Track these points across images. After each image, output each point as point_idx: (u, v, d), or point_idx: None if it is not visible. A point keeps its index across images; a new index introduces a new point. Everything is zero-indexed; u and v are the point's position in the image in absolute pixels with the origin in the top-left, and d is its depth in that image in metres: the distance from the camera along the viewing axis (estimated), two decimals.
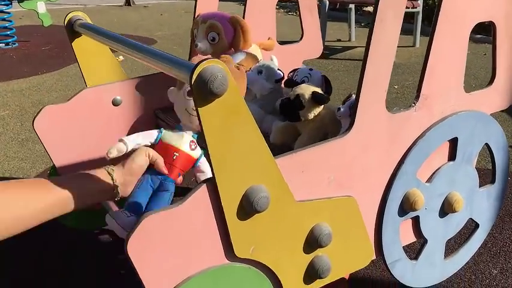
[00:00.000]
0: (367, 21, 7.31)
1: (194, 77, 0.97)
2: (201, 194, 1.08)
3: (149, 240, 1.04)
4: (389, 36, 1.24)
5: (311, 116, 1.51)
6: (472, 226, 1.72)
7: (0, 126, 3.39)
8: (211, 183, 1.08)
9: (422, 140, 1.39)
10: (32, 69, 4.90)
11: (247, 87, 1.66)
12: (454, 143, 1.48)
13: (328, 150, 1.25)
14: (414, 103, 1.37)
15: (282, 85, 1.80)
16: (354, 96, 1.46)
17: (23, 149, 3.03)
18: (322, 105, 1.51)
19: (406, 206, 1.42)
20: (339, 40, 6.09)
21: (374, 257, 1.45)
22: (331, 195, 1.29)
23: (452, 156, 1.49)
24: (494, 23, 1.48)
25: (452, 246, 1.89)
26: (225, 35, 1.83)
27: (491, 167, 1.65)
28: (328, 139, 1.26)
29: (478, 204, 1.63)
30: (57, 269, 1.92)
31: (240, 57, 1.83)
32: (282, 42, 2.21)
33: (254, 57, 1.89)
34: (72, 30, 1.77)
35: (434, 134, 1.41)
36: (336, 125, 1.52)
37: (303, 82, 1.64)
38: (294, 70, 1.75)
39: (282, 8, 8.88)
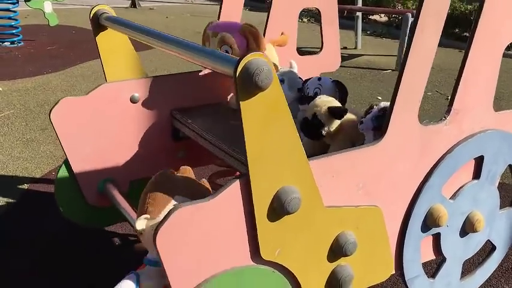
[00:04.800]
0: (373, 29, 7.34)
1: (239, 69, 0.95)
2: (234, 190, 1.05)
3: (179, 232, 1.00)
4: (428, 46, 1.23)
5: (333, 128, 1.48)
6: (486, 247, 1.69)
7: (5, 126, 3.33)
8: (244, 179, 1.05)
9: (451, 155, 1.37)
10: (37, 69, 4.85)
11: None
12: (479, 161, 1.46)
13: (360, 156, 1.23)
14: (445, 116, 1.36)
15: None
16: (376, 107, 1.44)
17: (28, 150, 2.97)
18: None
19: (430, 222, 1.39)
20: (345, 48, 6.01)
21: (393, 272, 1.42)
22: (358, 204, 1.26)
23: (476, 175, 1.48)
24: None
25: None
26: (238, 46, 1.78)
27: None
28: (361, 145, 1.24)
29: (497, 226, 1.61)
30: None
31: None
32: (298, 49, 2.19)
33: (274, 65, 1.86)
34: (98, 23, 1.75)
35: (462, 150, 1.39)
36: (359, 133, 1.49)
37: (315, 94, 1.62)
38: (305, 82, 1.73)
39: None
